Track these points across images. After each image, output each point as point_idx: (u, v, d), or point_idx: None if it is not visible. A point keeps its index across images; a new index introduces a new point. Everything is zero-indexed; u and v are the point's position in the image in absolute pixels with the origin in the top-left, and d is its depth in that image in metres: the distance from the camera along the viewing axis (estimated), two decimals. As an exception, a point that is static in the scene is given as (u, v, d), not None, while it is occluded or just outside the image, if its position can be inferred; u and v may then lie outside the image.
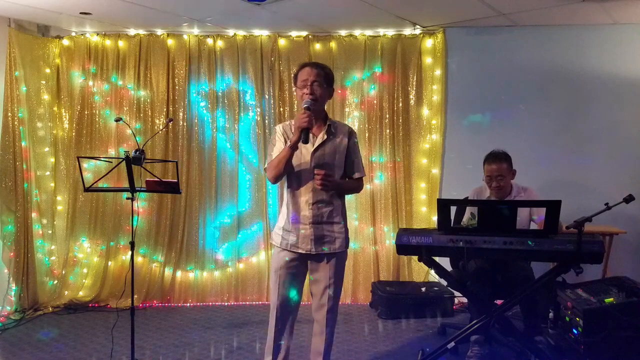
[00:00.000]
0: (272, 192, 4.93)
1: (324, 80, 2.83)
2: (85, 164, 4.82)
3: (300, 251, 2.85)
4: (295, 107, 4.88)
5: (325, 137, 2.85)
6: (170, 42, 4.89)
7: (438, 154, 4.86)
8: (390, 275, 4.89)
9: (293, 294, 2.91)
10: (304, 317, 3.67)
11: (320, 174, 2.75)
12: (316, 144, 2.84)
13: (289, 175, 2.88)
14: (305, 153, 2.84)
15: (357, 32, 4.88)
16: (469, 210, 3.53)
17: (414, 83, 4.87)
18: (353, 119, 4.95)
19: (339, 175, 2.88)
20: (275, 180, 2.86)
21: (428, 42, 4.85)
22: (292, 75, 3.21)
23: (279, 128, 2.95)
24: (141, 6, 4.13)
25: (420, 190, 4.92)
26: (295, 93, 2.86)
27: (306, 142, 2.73)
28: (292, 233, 2.87)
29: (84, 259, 4.92)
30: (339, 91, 4.93)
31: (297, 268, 2.89)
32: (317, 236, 2.83)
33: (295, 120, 2.75)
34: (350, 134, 2.91)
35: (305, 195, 2.83)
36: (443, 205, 3.12)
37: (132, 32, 4.88)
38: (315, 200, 2.83)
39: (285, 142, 2.85)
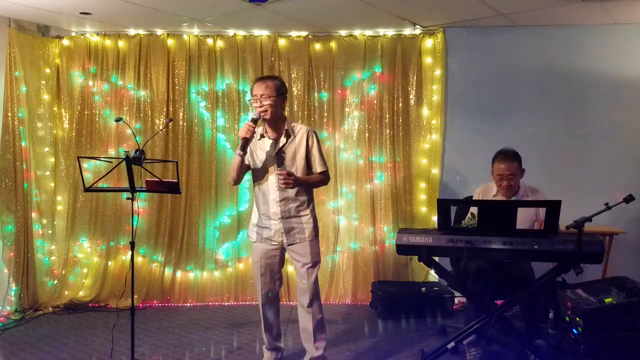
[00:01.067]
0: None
1: (274, 90, 3.16)
2: (85, 164, 4.82)
3: (274, 243, 3.28)
4: (295, 107, 4.89)
5: (285, 140, 3.23)
6: (170, 42, 4.89)
7: (438, 154, 4.86)
8: (390, 275, 4.89)
9: (274, 280, 3.37)
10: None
11: (282, 174, 3.09)
12: (278, 147, 3.22)
13: (257, 177, 3.30)
14: (269, 156, 3.23)
15: (357, 32, 4.88)
16: (471, 210, 3.52)
17: (414, 83, 4.86)
18: (353, 119, 4.95)
19: (302, 172, 3.25)
20: (234, 182, 3.33)
21: (428, 42, 4.85)
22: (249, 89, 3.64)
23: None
24: (141, 6, 4.13)
25: (420, 190, 4.92)
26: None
27: (243, 149, 3.14)
28: (264, 228, 3.29)
29: (84, 259, 4.92)
30: (339, 91, 4.93)
31: (274, 258, 3.34)
32: (287, 229, 3.25)
33: (239, 131, 3.16)
34: (309, 133, 3.27)
35: (273, 194, 3.23)
36: (443, 205, 3.13)
37: (132, 32, 4.88)
38: (282, 197, 3.22)
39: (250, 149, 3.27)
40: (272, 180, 3.22)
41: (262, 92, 3.15)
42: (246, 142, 3.12)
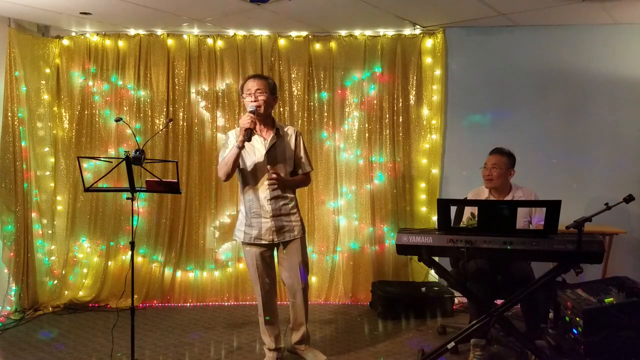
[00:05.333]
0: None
1: (267, 88, 3.26)
2: (85, 164, 4.82)
3: (264, 242, 3.31)
4: (295, 107, 4.89)
5: (275, 139, 3.30)
6: (170, 42, 4.89)
7: (438, 154, 4.86)
8: (390, 275, 4.89)
9: (270, 279, 3.42)
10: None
11: (274, 174, 3.22)
12: (268, 146, 3.28)
13: (246, 175, 3.31)
14: (259, 154, 3.28)
15: (357, 32, 4.88)
16: (468, 210, 3.52)
17: (414, 83, 4.86)
18: (353, 119, 4.95)
19: (290, 170, 3.36)
20: (227, 178, 3.27)
21: (428, 42, 4.85)
22: (239, 86, 3.55)
23: (231, 133, 3.36)
24: (141, 6, 4.13)
25: (420, 190, 4.92)
26: (244, 101, 3.31)
27: (249, 140, 3.13)
28: (254, 227, 3.31)
29: (84, 259, 4.91)
30: (339, 91, 4.93)
31: (268, 258, 3.40)
32: (278, 227, 3.31)
33: (240, 122, 3.16)
34: (297, 134, 3.41)
35: (264, 192, 3.28)
36: (443, 205, 3.12)
37: (132, 32, 4.88)
38: (272, 196, 3.28)
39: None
40: (262, 179, 3.29)
41: (257, 87, 3.23)
42: (250, 132, 3.13)
